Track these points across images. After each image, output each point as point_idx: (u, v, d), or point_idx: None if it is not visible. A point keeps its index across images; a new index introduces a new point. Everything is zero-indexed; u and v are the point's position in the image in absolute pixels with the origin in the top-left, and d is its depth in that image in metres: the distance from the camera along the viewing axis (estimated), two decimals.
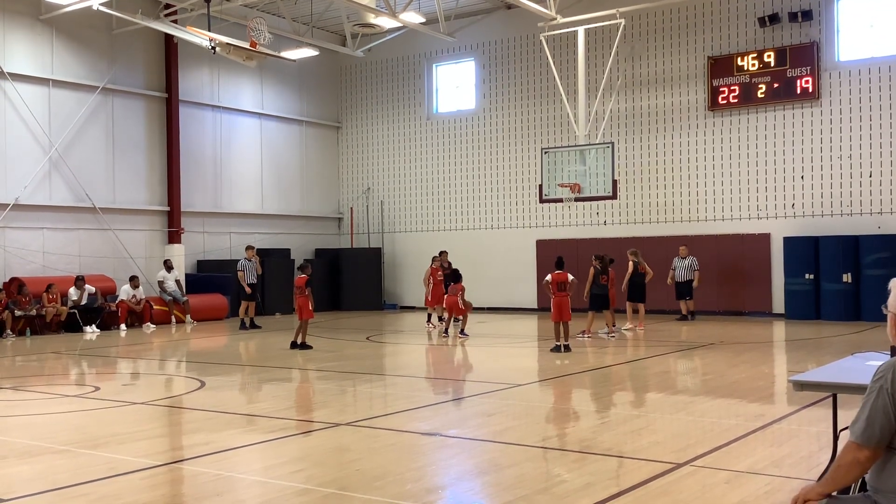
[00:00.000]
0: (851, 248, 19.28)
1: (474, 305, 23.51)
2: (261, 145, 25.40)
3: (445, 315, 17.73)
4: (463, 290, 17.41)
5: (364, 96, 27.24)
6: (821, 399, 8.29)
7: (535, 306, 23.32)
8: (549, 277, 14.37)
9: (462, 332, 17.01)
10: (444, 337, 17.11)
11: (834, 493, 3.54)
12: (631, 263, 17.91)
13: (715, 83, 21.33)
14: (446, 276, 18.28)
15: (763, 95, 20.73)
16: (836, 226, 19.89)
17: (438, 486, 6.17)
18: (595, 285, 16.29)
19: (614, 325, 16.71)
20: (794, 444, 7.24)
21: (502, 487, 5.94)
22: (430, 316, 19.34)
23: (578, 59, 19.90)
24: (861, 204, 19.80)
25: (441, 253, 19.62)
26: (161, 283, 20.97)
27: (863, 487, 3.77)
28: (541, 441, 7.55)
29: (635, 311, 17.97)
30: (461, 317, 17.29)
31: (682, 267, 19.84)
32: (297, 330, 14.99)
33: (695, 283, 19.80)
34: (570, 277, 14.35)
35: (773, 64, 20.59)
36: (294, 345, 14.92)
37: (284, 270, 23.37)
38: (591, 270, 16.33)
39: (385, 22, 21.39)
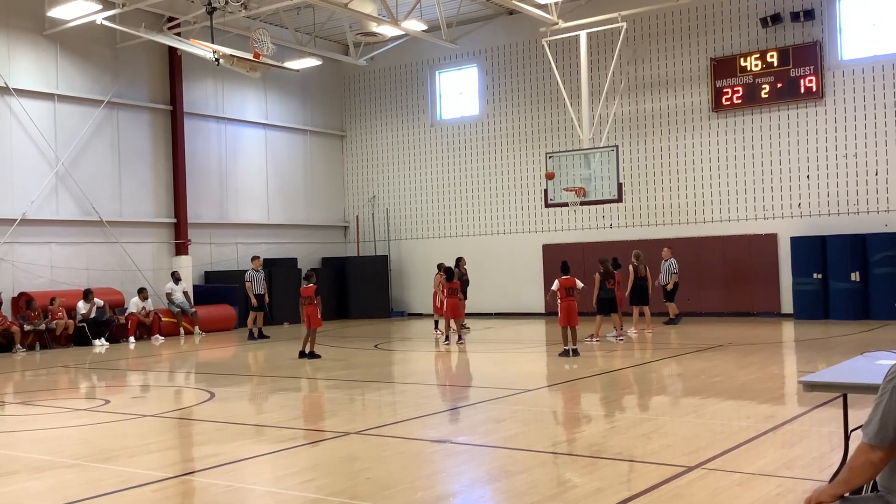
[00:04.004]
0: (859, 247, 19.23)
1: (482, 311, 23.59)
2: (266, 155, 25.47)
3: (451, 323, 17.51)
4: (457, 287, 17.24)
5: (368, 105, 27.29)
6: (831, 399, 8.26)
7: (543, 311, 23.29)
8: (556, 284, 14.32)
9: (459, 337, 17.01)
10: (461, 343, 16.99)
11: (846, 494, 3.53)
12: (631, 268, 17.89)
13: (718, 84, 21.32)
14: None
15: (767, 96, 20.70)
16: (843, 225, 19.84)
17: (449, 493, 6.16)
18: (602, 290, 16.27)
19: (622, 329, 16.68)
20: (805, 445, 7.22)
21: (513, 494, 5.93)
22: (437, 323, 19.32)
23: (581, 64, 19.92)
24: (868, 202, 19.74)
25: (457, 259, 19.51)
26: (169, 295, 21.02)
27: (874, 488, 3.75)
28: (551, 446, 7.55)
29: (641, 315, 17.94)
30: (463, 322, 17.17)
31: (662, 270, 19.28)
32: (305, 339, 15.00)
33: (668, 287, 19.15)
34: (580, 284, 14.33)
35: (776, 64, 20.58)
36: (302, 354, 14.94)
37: (291, 280, 23.37)
38: (597, 276, 16.32)
39: (387, 30, 21.44)
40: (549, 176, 18.44)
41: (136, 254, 21.71)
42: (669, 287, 19.23)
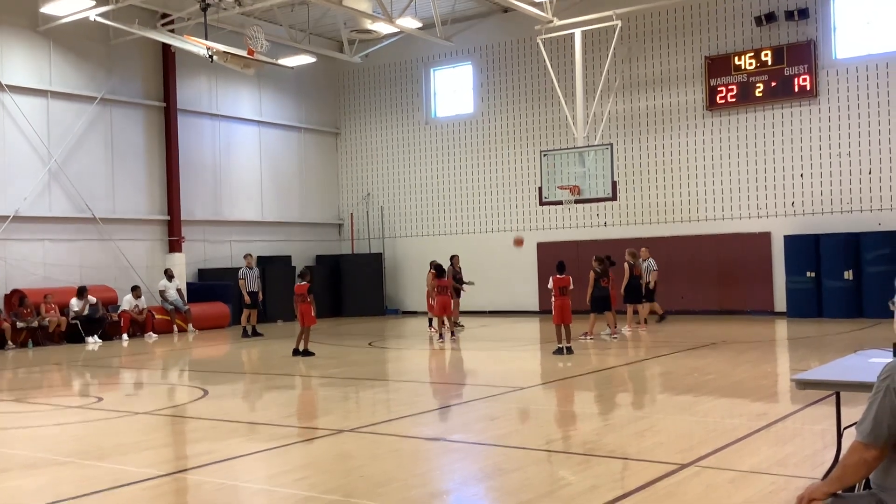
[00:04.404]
0: (852, 246, 19.28)
1: (476, 309, 23.58)
2: (260, 153, 25.42)
3: (443, 320, 17.49)
4: (447, 285, 17.29)
5: (362, 102, 27.26)
6: (824, 397, 8.27)
7: (537, 309, 23.31)
8: (551, 282, 14.34)
9: (452, 333, 17.10)
10: (453, 338, 17.07)
11: (839, 492, 3.54)
12: (627, 265, 17.88)
13: (713, 83, 21.35)
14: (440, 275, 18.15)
15: (761, 94, 20.74)
16: (836, 223, 19.89)
17: (443, 491, 6.16)
18: (596, 288, 16.28)
19: (616, 327, 16.70)
20: (798, 443, 7.24)
21: (507, 492, 5.94)
22: (431, 321, 19.30)
23: (576, 62, 19.93)
24: (861, 201, 19.79)
25: (451, 258, 19.50)
26: (162, 293, 20.97)
27: (867, 485, 3.76)
28: (545, 444, 7.55)
29: (635, 313, 17.94)
30: (456, 319, 17.24)
31: (642, 270, 18.68)
32: (299, 337, 14.98)
33: (651, 285, 18.75)
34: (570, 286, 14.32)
35: (770, 63, 20.61)
36: (296, 352, 14.90)
37: (285, 278, 23.36)
38: (592, 274, 16.33)
39: (382, 27, 21.41)
40: (518, 242, 17.85)
41: (129, 251, 21.65)
42: (651, 286, 18.87)
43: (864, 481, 3.87)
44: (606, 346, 15.41)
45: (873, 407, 3.37)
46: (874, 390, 3.40)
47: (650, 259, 19.14)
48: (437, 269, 17.61)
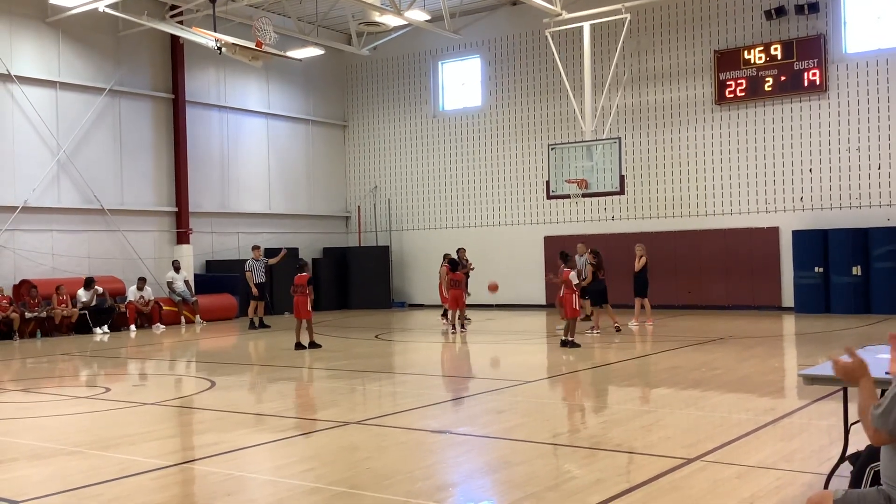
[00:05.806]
0: (861, 241, 19.21)
1: (483, 302, 23.55)
2: (268, 145, 25.43)
3: (455, 313, 17.59)
4: (461, 278, 17.35)
5: (370, 95, 27.24)
6: (831, 393, 8.27)
7: (544, 302, 23.30)
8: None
9: (462, 326, 17.14)
10: (463, 331, 17.09)
11: (846, 489, 3.62)
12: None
13: (722, 77, 21.25)
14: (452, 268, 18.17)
15: (770, 89, 20.64)
16: (844, 219, 19.81)
17: (448, 483, 6.17)
18: (594, 280, 16.24)
19: (616, 321, 16.67)
20: (804, 439, 7.22)
21: (512, 485, 5.94)
22: (445, 312, 19.31)
23: (584, 55, 19.86)
24: (870, 196, 19.71)
25: (458, 250, 19.46)
26: (170, 284, 21.02)
27: (876, 481, 3.78)
28: (551, 438, 7.55)
29: (642, 308, 17.89)
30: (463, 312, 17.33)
31: (579, 265, 16.83)
32: (297, 330, 14.91)
33: (585, 283, 16.40)
34: (575, 280, 14.22)
35: (779, 57, 20.51)
36: (298, 345, 14.80)
37: (292, 270, 23.31)
38: (589, 268, 16.30)
39: (390, 20, 21.38)
40: (493, 288, 17.17)
41: (137, 242, 21.71)
42: (584, 283, 16.57)
43: (873, 476, 3.90)
44: (612, 340, 15.39)
45: (888, 397, 3.50)
46: (894, 382, 3.55)
47: (586, 255, 17.07)
48: (451, 262, 17.68)
